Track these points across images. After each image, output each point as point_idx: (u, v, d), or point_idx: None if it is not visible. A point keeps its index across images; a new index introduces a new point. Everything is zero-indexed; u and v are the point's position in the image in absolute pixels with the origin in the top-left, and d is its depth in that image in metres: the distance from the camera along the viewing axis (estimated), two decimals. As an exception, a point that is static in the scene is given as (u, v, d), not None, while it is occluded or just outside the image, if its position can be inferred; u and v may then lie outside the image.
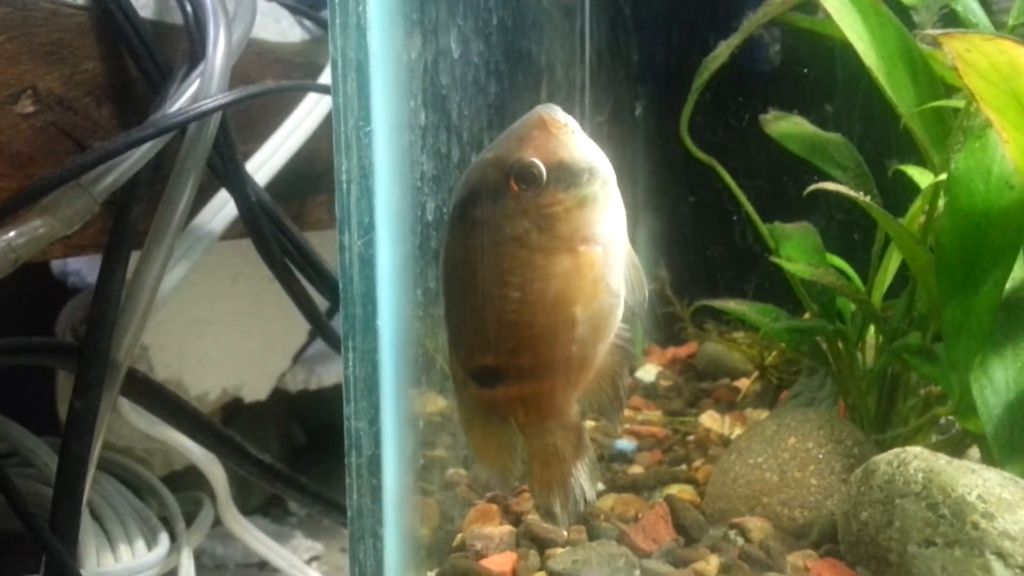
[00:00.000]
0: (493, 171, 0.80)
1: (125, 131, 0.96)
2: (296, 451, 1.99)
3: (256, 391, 1.74)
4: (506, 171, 0.80)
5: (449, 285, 0.85)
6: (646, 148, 1.77)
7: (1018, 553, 0.79)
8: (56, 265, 1.65)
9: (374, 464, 0.86)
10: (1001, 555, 0.79)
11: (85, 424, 0.95)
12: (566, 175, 0.81)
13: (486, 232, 0.82)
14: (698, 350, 1.76)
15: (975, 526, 0.80)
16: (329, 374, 1.89)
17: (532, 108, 0.82)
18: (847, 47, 1.04)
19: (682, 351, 1.83)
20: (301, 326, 1.74)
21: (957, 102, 1.02)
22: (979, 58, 0.81)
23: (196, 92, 1.02)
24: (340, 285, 0.84)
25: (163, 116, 0.98)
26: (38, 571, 0.95)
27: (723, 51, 1.23)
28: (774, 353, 1.56)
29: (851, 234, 1.33)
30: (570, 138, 0.81)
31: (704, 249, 1.69)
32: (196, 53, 1.05)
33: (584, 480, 0.95)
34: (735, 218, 1.33)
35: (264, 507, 1.83)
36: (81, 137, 0.99)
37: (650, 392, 1.64)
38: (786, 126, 1.26)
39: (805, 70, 1.44)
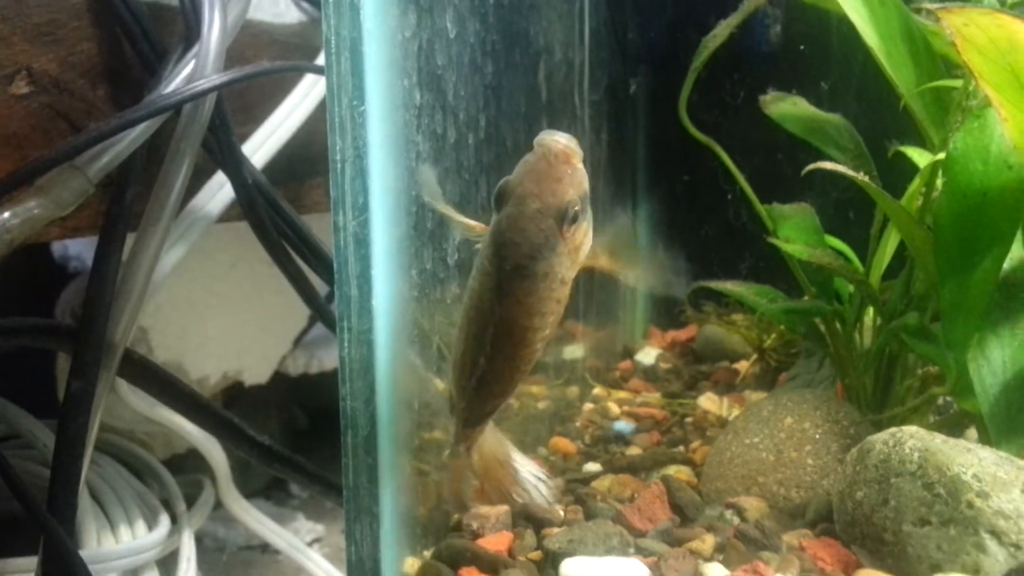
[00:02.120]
0: (547, 222, 0.77)
1: (120, 112, 0.96)
2: (297, 435, 1.99)
3: (257, 375, 1.74)
4: (560, 218, 0.77)
5: (502, 349, 0.82)
6: (644, 128, 1.76)
7: (1012, 531, 0.79)
8: (57, 249, 1.65)
9: (370, 444, 0.86)
10: (995, 533, 0.79)
11: (82, 404, 0.95)
12: (585, 201, 0.80)
13: (548, 283, 0.80)
14: (697, 332, 1.76)
15: (970, 505, 0.80)
16: (330, 358, 1.89)
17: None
18: (847, 26, 1.03)
19: (681, 334, 1.83)
20: (301, 310, 1.74)
21: (955, 82, 1.01)
22: (977, 33, 0.80)
23: (191, 73, 1.02)
24: (335, 265, 0.84)
25: (158, 97, 0.98)
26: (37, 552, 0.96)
27: (723, 30, 1.22)
28: (773, 335, 1.56)
29: (848, 214, 1.32)
30: (580, 161, 0.80)
31: (700, 229, 1.68)
32: (191, 34, 1.05)
33: (527, 466, 0.96)
34: (730, 198, 1.33)
35: (265, 489, 1.84)
36: (76, 118, 0.99)
37: (649, 374, 1.64)
38: (785, 106, 1.25)
39: (804, 49, 1.43)
